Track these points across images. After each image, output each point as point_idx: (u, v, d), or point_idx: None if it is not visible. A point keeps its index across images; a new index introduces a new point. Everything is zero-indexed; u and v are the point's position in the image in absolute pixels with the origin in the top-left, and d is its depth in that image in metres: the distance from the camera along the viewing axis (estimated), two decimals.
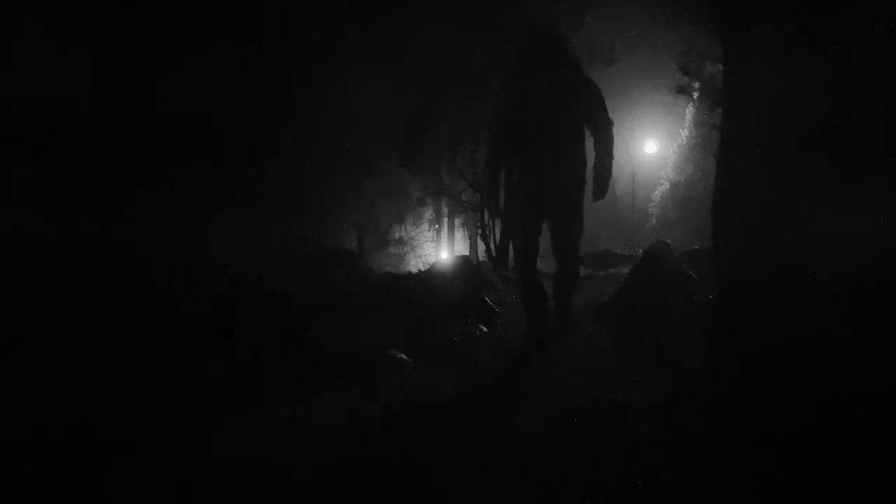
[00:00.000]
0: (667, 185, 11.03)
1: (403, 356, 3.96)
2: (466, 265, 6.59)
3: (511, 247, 4.05)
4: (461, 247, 13.55)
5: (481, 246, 9.14)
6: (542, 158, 3.62)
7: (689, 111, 9.27)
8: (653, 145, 12.35)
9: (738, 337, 3.58)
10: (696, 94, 8.12)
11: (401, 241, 12.87)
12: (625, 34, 8.02)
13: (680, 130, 10.12)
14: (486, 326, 4.70)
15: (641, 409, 2.75)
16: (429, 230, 13.69)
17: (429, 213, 13.00)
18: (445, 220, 13.73)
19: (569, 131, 3.64)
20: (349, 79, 6.92)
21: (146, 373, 3.34)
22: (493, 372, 3.61)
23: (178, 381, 3.31)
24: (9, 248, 3.97)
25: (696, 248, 6.25)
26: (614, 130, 3.70)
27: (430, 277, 6.27)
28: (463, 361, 3.90)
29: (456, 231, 14.02)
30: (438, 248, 14.09)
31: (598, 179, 3.67)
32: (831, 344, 2.97)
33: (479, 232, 9.04)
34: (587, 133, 3.73)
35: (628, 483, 1.92)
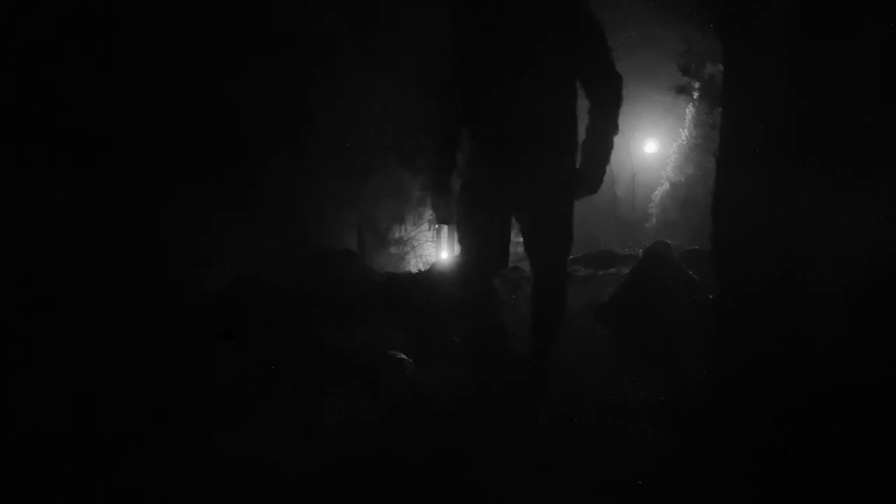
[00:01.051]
0: (667, 185, 11.04)
1: (403, 356, 3.97)
2: None
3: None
4: None
5: None
6: (506, 134, 2.34)
7: (689, 111, 9.28)
8: (653, 145, 12.38)
9: (738, 337, 3.59)
10: (695, 94, 8.12)
11: (401, 241, 12.87)
12: (625, 34, 8.02)
13: (680, 130, 10.13)
14: None
15: (641, 409, 2.75)
16: (429, 230, 13.69)
17: (429, 213, 13.01)
18: None
19: (553, 92, 2.34)
20: (349, 77, 6.93)
21: (149, 368, 3.35)
22: (493, 372, 3.61)
23: (179, 377, 3.32)
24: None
25: (696, 248, 6.26)
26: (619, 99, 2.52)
27: (430, 277, 6.28)
28: (463, 362, 3.91)
29: (456, 231, 14.01)
30: (438, 248, 14.09)
31: (591, 165, 2.44)
32: (832, 344, 2.98)
33: None
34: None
35: (628, 483, 1.92)
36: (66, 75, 4.36)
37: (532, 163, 2.39)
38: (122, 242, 4.62)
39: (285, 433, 2.56)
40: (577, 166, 2.53)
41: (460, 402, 2.98)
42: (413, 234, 13.62)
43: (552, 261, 2.73)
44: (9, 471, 2.16)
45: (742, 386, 3.08)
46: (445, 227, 15.07)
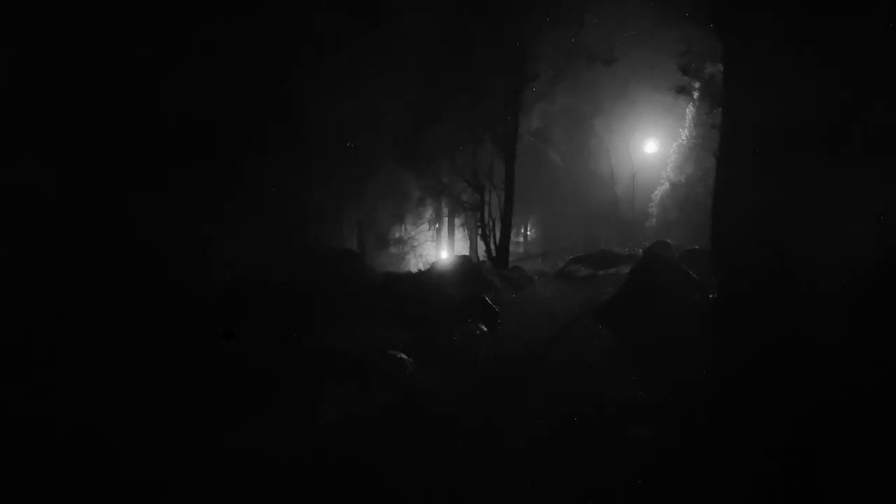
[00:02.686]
0: (667, 185, 11.06)
1: (404, 356, 3.98)
2: (466, 265, 6.61)
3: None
4: (461, 247, 13.56)
5: (481, 246, 9.16)
6: None
7: (689, 111, 9.29)
8: (653, 145, 12.38)
9: (737, 336, 3.59)
10: (696, 94, 8.13)
11: (401, 241, 12.89)
12: (625, 34, 8.02)
13: (680, 130, 10.14)
14: (486, 326, 4.71)
15: (642, 407, 2.76)
16: (429, 230, 13.67)
17: (429, 213, 12.99)
18: (445, 220, 13.73)
19: None
20: (350, 79, 6.93)
21: (150, 367, 3.34)
22: (493, 371, 3.62)
23: (180, 376, 3.32)
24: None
25: (696, 247, 6.27)
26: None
27: (429, 277, 6.28)
28: (463, 361, 3.92)
29: (456, 231, 14.02)
30: (438, 248, 14.06)
31: None
32: (829, 343, 2.97)
33: (479, 232, 9.07)
34: None
35: (628, 483, 1.93)
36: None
37: None
38: (120, 242, 4.61)
39: (287, 431, 2.56)
40: None
41: (459, 398, 2.98)
42: (413, 234, 13.57)
43: None
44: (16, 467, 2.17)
45: (741, 385, 3.08)
46: (445, 227, 15.04)
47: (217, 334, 3.91)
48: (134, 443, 2.44)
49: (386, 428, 2.66)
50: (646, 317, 4.33)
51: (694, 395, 2.99)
